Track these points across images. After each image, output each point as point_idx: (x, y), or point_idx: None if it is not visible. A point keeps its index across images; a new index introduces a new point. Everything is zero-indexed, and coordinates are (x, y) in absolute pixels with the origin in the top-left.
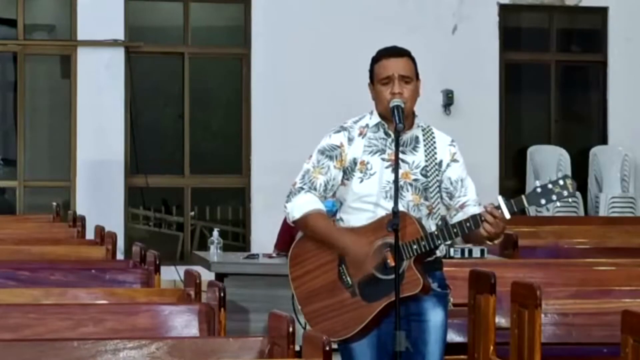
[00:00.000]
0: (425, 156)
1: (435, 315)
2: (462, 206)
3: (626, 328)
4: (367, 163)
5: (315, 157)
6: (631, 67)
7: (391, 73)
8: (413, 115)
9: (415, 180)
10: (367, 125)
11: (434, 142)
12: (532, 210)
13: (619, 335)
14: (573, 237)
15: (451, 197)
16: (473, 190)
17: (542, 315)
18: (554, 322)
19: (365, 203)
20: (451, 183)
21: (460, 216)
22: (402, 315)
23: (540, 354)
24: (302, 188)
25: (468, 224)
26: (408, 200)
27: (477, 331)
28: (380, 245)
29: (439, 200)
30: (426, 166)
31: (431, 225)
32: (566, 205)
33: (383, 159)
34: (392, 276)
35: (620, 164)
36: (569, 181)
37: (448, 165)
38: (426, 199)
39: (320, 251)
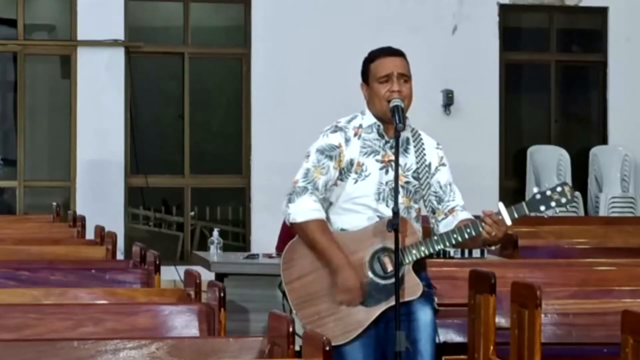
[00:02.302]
0: (416, 159)
1: (424, 314)
2: (452, 211)
3: (626, 328)
4: (363, 164)
5: (314, 157)
6: (631, 67)
7: (390, 71)
8: (405, 117)
9: (407, 182)
10: (360, 126)
11: (423, 145)
12: None
13: (619, 335)
14: (573, 237)
15: (440, 201)
16: (459, 195)
17: (542, 315)
18: (554, 322)
19: (358, 205)
20: (440, 187)
21: (449, 220)
22: (393, 317)
23: (540, 354)
24: (306, 188)
25: (469, 230)
26: (399, 202)
27: (477, 331)
28: (377, 250)
29: (430, 203)
30: (417, 169)
31: (418, 228)
32: None
33: (377, 161)
34: (391, 281)
35: (620, 164)
36: (567, 188)
37: (437, 168)
38: (415, 201)
39: (315, 254)
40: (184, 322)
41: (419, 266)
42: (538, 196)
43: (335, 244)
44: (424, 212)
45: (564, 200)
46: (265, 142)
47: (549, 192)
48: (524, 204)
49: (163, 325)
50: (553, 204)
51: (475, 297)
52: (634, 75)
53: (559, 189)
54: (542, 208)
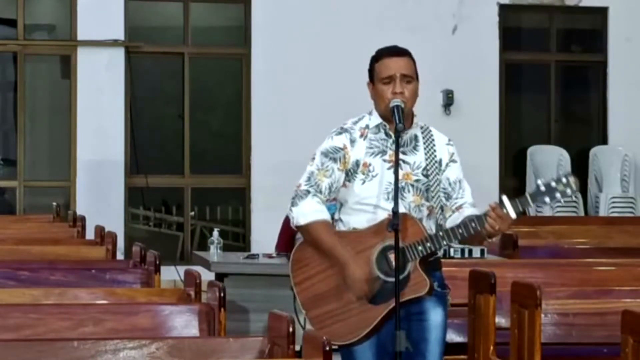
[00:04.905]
0: (425, 156)
1: (435, 315)
2: (459, 208)
3: (626, 328)
4: (369, 165)
5: (319, 159)
6: (631, 67)
7: (393, 72)
8: (412, 114)
9: (417, 180)
10: (367, 126)
11: (433, 142)
12: (532, 210)
13: (619, 335)
14: (573, 237)
15: (448, 197)
16: (469, 192)
17: (542, 315)
18: (554, 322)
19: (366, 205)
20: (450, 184)
21: (455, 217)
22: (403, 315)
23: (540, 354)
24: (308, 191)
25: (473, 225)
26: (409, 201)
27: (477, 331)
28: (384, 247)
29: (439, 200)
30: (427, 166)
31: (431, 226)
32: (566, 205)
33: (384, 160)
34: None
35: (620, 164)
36: (571, 179)
37: (447, 165)
38: (427, 199)
39: (323, 255)
40: (184, 322)
41: (433, 265)
42: (542, 188)
43: (338, 242)
44: None
45: (569, 191)
46: (265, 142)
47: (553, 184)
48: (528, 195)
49: (163, 325)
50: (558, 195)
51: (475, 297)
52: (634, 75)
53: (564, 179)
54: (547, 199)
